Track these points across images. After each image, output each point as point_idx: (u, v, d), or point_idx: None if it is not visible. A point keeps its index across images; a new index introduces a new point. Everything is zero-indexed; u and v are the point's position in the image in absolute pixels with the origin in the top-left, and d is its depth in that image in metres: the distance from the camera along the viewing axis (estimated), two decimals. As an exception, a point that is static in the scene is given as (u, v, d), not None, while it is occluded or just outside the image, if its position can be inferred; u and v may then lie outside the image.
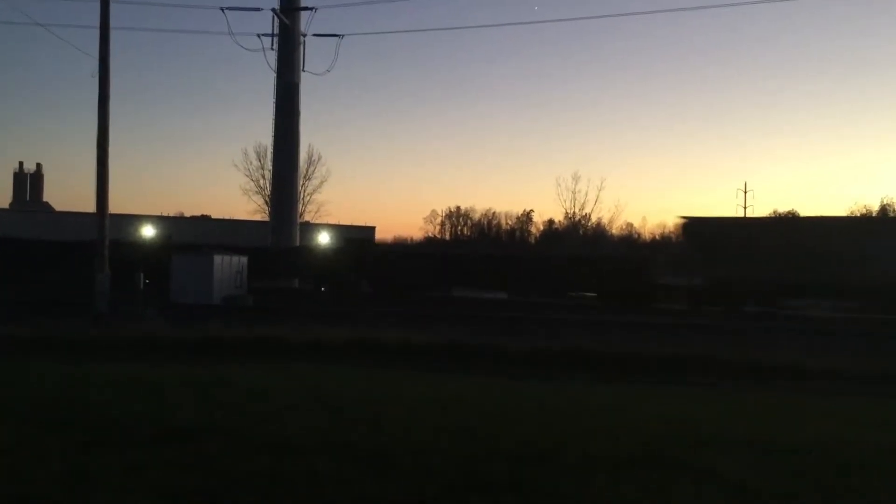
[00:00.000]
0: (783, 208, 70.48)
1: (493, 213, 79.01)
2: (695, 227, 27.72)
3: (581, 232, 60.13)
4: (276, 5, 41.35)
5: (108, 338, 16.45)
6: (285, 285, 35.29)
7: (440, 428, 6.90)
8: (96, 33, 23.53)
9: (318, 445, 5.97)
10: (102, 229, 23.17)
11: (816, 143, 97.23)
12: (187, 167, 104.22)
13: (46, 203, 75.10)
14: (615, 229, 65.25)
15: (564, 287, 29.96)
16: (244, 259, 29.08)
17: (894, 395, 11.96)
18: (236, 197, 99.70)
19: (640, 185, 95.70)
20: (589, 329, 19.36)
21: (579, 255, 38.88)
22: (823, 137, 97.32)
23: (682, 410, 9.15)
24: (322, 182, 59.52)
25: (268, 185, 51.62)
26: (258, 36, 41.31)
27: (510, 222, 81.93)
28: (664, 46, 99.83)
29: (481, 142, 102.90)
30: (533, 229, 79.15)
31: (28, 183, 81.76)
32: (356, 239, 42.46)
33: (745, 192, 67.74)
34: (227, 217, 60.31)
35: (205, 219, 61.15)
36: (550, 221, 72.37)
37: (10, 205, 70.07)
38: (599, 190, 61.85)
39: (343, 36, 42.00)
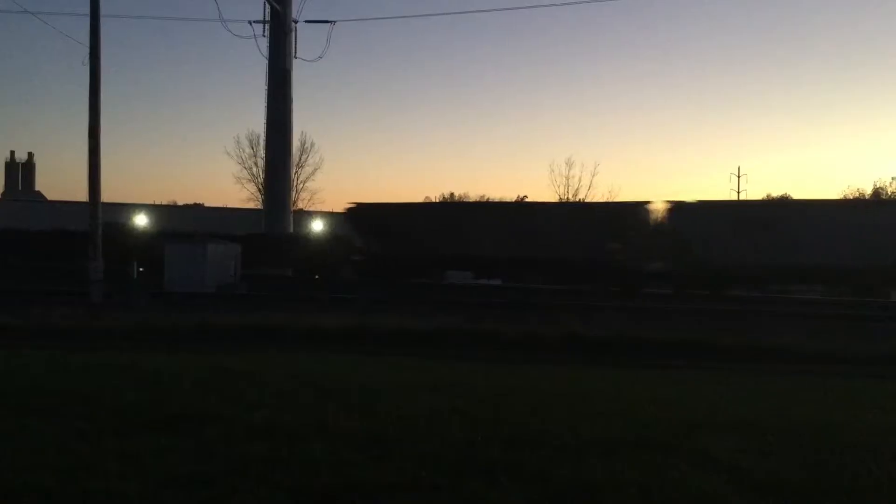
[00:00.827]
0: (777, 192, 70.74)
1: (487, 198, 78.93)
2: (356, 212, 32.05)
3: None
4: (268, -9, 41.17)
5: (101, 326, 16.44)
6: (279, 272, 35.28)
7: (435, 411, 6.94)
8: (87, 21, 23.44)
9: (314, 430, 5.99)
10: (95, 218, 23.14)
11: (811, 128, 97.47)
12: (180, 155, 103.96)
13: (38, 192, 74.84)
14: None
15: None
16: (238, 247, 29.06)
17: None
18: (229, 185, 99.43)
19: (633, 169, 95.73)
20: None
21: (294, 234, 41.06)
22: (818, 122, 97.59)
23: (674, 392, 9.20)
24: (315, 169, 59.42)
25: (261, 172, 51.54)
26: (249, 23, 41.22)
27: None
28: (657, 31, 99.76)
29: (475, 128, 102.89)
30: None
31: (20, 172, 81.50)
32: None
33: (739, 177, 67.98)
34: (220, 205, 60.17)
35: (198, 207, 61.00)
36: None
37: (2, 194, 69.82)
38: (593, 175, 61.57)
39: (335, 22, 41.99)
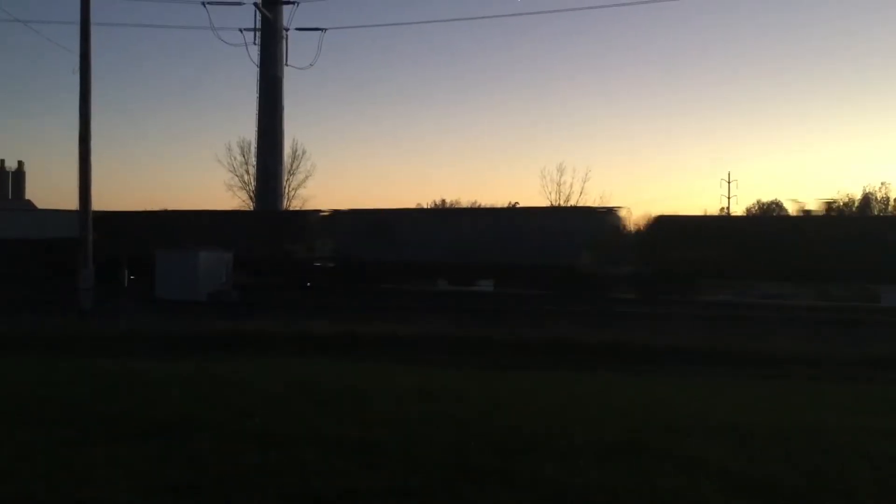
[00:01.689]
0: (767, 198, 71.13)
1: (479, 205, 79.00)
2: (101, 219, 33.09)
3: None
4: (258, -1, 41.20)
5: (92, 334, 16.36)
6: (271, 279, 35.14)
7: (427, 417, 6.94)
8: (77, 29, 23.39)
9: (305, 437, 5.98)
10: (86, 226, 23.06)
11: (801, 133, 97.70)
12: (170, 163, 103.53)
13: (28, 201, 74.48)
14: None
15: None
16: (230, 254, 28.99)
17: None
18: (220, 192, 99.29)
19: (624, 175, 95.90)
20: None
21: None
22: (808, 127, 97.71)
23: (665, 397, 9.22)
24: (307, 176, 59.16)
25: (252, 180, 51.35)
26: (240, 30, 41.12)
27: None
28: (648, 38, 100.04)
29: (466, 135, 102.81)
30: (518, 221, 79.01)
31: (10, 181, 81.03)
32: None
33: (729, 183, 68.27)
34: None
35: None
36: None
37: (-7, 203, 69.49)
38: (584, 181, 61.54)
39: (326, 30, 41.85)
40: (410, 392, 8.75)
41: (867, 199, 66.86)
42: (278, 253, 31.69)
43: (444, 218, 36.41)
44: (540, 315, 21.43)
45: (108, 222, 32.90)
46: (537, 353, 14.78)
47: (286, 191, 51.22)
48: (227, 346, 15.03)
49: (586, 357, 14.34)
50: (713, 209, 65.97)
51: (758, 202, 71.12)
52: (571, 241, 27.70)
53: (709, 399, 9.39)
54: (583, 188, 60.13)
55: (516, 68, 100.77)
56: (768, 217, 56.47)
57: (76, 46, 23.32)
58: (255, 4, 40.67)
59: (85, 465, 5.14)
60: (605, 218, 29.38)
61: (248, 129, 67.09)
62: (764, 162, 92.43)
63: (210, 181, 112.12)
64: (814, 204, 60.00)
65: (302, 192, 58.29)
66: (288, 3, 41.55)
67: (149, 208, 48.75)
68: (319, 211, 34.90)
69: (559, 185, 60.41)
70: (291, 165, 55.91)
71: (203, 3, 39.81)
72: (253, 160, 48.10)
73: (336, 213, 33.22)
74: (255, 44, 41.16)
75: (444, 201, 71.98)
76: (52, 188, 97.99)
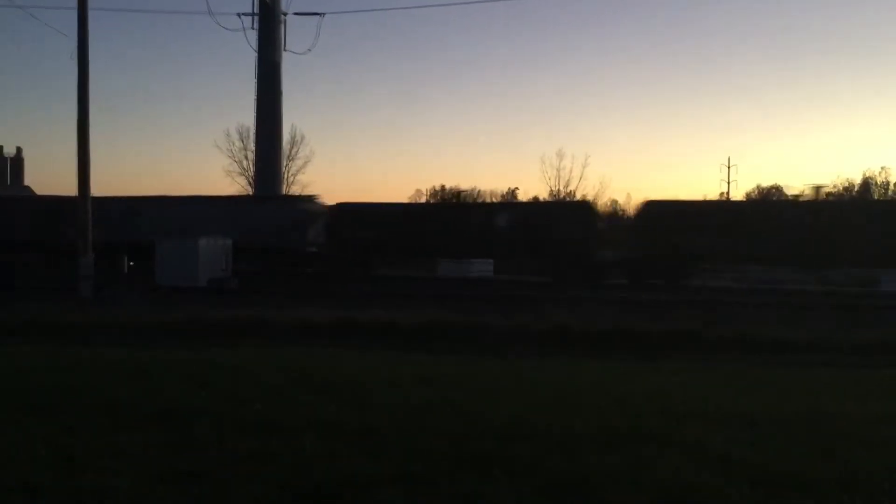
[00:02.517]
0: (767, 183, 71.07)
1: (478, 191, 78.93)
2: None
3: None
4: (257, -16, 40.94)
5: (92, 321, 16.36)
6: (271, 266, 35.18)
7: (427, 405, 6.95)
8: (75, 14, 23.26)
9: (305, 424, 5.98)
10: (85, 212, 23.02)
11: (801, 118, 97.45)
12: (169, 148, 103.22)
13: (27, 187, 74.35)
14: (600, 206, 65.35)
15: None
16: (229, 241, 28.97)
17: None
18: (219, 178, 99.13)
19: (624, 161, 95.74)
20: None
21: None
22: (808, 112, 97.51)
23: (665, 385, 9.22)
24: (306, 162, 59.08)
25: (251, 166, 51.31)
26: (238, 15, 40.92)
27: (495, 199, 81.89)
28: (648, 23, 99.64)
29: (465, 120, 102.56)
30: (518, 207, 78.92)
31: (8, 167, 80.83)
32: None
33: (729, 168, 68.09)
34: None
35: (188, 200, 60.57)
36: (535, 199, 72.37)
37: (-9, 189, 69.36)
38: (584, 167, 61.46)
39: (324, 14, 41.72)
40: (410, 379, 8.76)
41: (867, 183, 66.85)
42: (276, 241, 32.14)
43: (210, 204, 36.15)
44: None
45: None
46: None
47: (285, 176, 51.16)
48: (227, 333, 15.04)
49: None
50: (713, 194, 65.91)
51: (758, 187, 71.05)
52: (282, 225, 31.46)
53: (709, 386, 9.40)
54: (582, 173, 60.18)
55: (517, 53, 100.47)
56: (759, 201, 56.32)
57: (74, 32, 23.22)
58: (254, -11, 40.47)
59: (86, 453, 5.15)
60: (304, 205, 33.77)
61: (246, 115, 66.68)
62: (764, 147, 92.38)
63: (209, 167, 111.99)
64: (806, 189, 60.13)
65: (301, 177, 58.25)
66: (286, -13, 41.35)
67: (146, 194, 48.83)
68: (311, 197, 35.93)
69: (559, 170, 60.43)
70: (290, 151, 55.85)
71: (201, -12, 39.60)
72: (252, 146, 48.09)
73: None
74: (253, 28, 41.00)
75: (443, 187, 71.96)
76: (51, 174, 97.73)
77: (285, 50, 41.71)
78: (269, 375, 8.80)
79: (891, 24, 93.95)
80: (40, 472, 4.73)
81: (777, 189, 69.37)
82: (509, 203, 58.65)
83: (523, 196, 68.16)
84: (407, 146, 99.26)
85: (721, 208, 35.37)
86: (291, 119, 71.24)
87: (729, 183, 67.52)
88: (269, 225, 31.47)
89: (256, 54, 41.24)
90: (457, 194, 65.21)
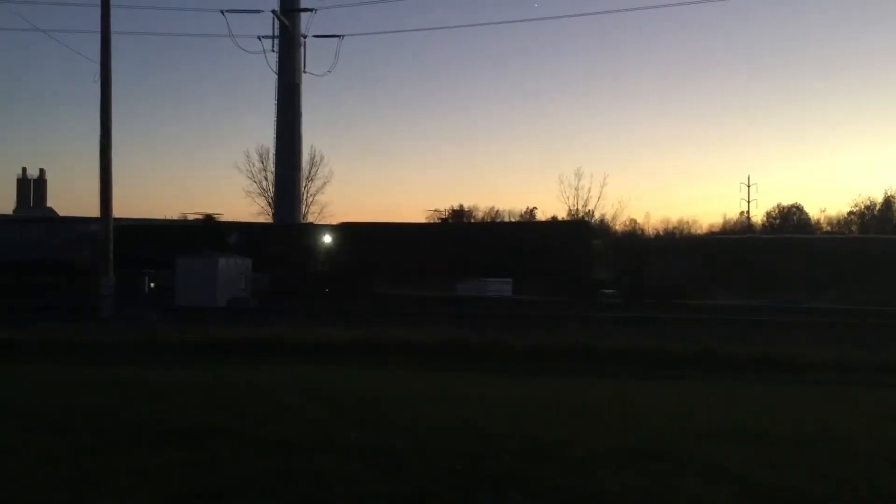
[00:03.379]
0: (787, 202, 70.52)
1: (496, 210, 78.90)
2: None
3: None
4: (277, 7, 41.43)
5: (112, 341, 16.47)
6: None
7: (444, 424, 6.92)
8: (98, 38, 23.62)
9: (322, 444, 5.98)
10: (107, 233, 23.25)
11: (822, 137, 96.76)
12: (189, 169, 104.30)
13: (50, 208, 75.22)
14: (619, 225, 65.08)
15: None
16: (248, 261, 29.15)
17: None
18: (239, 199, 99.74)
19: (643, 180, 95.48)
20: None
21: None
22: (829, 131, 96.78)
23: (683, 404, 9.15)
24: (325, 183, 59.25)
25: (270, 186, 51.57)
26: (259, 38, 41.44)
27: (513, 220, 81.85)
28: (666, 42, 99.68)
29: (483, 140, 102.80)
30: (536, 227, 78.82)
31: (31, 189, 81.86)
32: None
33: (749, 187, 67.74)
34: (230, 219, 60.19)
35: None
36: (554, 218, 72.26)
37: (14, 211, 70.18)
38: (602, 186, 61.33)
39: (343, 37, 42.06)
40: (426, 397, 8.74)
41: (888, 202, 66.09)
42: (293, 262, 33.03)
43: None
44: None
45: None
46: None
47: (304, 197, 51.39)
48: (246, 352, 15.10)
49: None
50: (733, 213, 65.53)
51: (778, 206, 70.55)
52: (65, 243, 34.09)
53: (729, 404, 9.31)
54: (601, 193, 60.01)
55: (535, 74, 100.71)
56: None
57: (97, 55, 23.57)
58: (274, 12, 40.96)
59: (106, 472, 5.16)
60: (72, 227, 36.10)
61: (266, 136, 67.23)
62: (784, 166, 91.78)
63: (229, 187, 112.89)
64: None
65: (320, 198, 58.51)
66: (306, 10, 41.83)
67: (167, 215, 49.37)
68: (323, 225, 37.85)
69: (577, 190, 60.28)
70: (309, 172, 56.05)
71: (222, 12, 40.20)
72: (271, 166, 48.37)
73: None
74: (273, 51, 41.48)
75: (461, 207, 72.01)
76: (73, 195, 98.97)
77: (305, 72, 42.18)
78: (286, 394, 8.81)
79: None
80: (59, 492, 4.74)
81: (798, 208, 68.89)
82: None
83: (541, 215, 68.09)
84: (425, 166, 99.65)
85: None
86: (311, 140, 71.57)
87: (749, 202, 67.22)
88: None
89: (276, 76, 41.68)
90: (459, 213, 65.32)
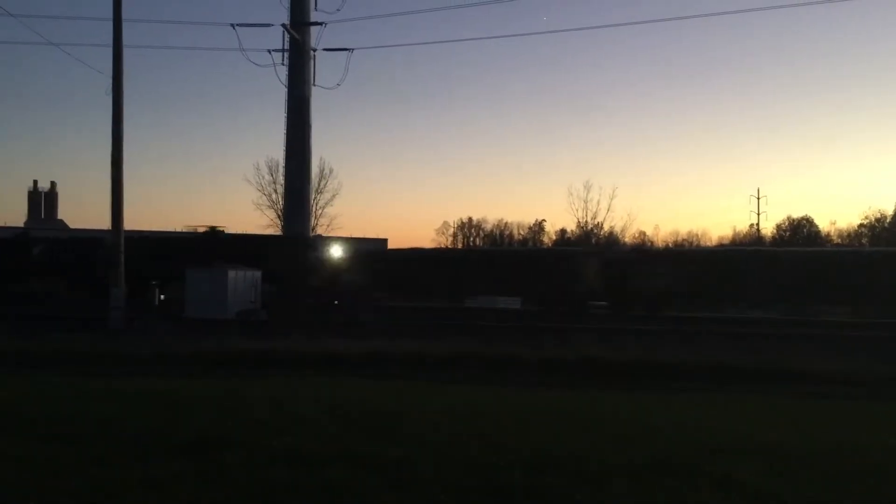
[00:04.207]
0: (797, 214, 70.31)
1: (506, 223, 78.98)
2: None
3: (594, 241, 60.06)
4: (286, 21, 41.65)
5: (123, 352, 16.50)
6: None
7: (457, 437, 6.90)
8: (109, 52, 23.80)
9: (334, 456, 5.96)
10: (117, 246, 23.33)
11: (831, 150, 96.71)
12: (200, 182, 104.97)
13: (61, 221, 75.65)
14: (628, 237, 65.08)
15: None
16: (258, 273, 29.16)
17: None
18: (249, 211, 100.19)
19: (652, 193, 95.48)
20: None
21: None
22: (840, 143, 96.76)
23: (696, 417, 9.10)
24: (334, 195, 59.45)
25: (280, 199, 51.69)
26: (269, 51, 41.63)
27: (522, 232, 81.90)
28: (674, 54, 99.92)
29: (493, 153, 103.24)
30: (545, 238, 78.97)
31: (43, 201, 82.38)
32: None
33: (759, 199, 67.52)
34: (239, 232, 60.33)
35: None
36: (563, 231, 72.30)
37: (25, 223, 70.58)
38: (611, 199, 61.58)
39: (353, 50, 42.23)
40: (440, 411, 8.72)
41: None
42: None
43: None
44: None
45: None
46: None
47: (314, 209, 51.52)
48: (256, 364, 15.10)
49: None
50: (743, 225, 65.34)
51: (788, 218, 70.35)
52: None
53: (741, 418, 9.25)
54: (610, 205, 60.02)
55: (544, 86, 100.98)
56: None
57: (109, 69, 23.74)
58: (284, 26, 41.16)
59: (116, 484, 5.16)
60: None
61: (276, 149, 67.51)
62: (795, 178, 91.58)
63: (239, 200, 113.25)
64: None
65: (329, 210, 58.64)
66: (315, 24, 42.02)
67: (177, 228, 49.68)
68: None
69: (586, 202, 60.34)
70: (319, 184, 56.22)
71: (232, 26, 40.40)
72: (281, 179, 48.47)
73: None
74: (283, 64, 41.64)
75: (470, 219, 72.05)
76: (84, 208, 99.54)
77: (314, 85, 42.32)
78: (298, 406, 8.80)
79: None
80: (71, 502, 4.75)
81: (808, 220, 68.65)
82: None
83: (550, 228, 68.08)
84: (434, 179, 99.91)
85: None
86: (320, 152, 72.04)
87: (759, 214, 67.01)
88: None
89: (286, 89, 41.85)
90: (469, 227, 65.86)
